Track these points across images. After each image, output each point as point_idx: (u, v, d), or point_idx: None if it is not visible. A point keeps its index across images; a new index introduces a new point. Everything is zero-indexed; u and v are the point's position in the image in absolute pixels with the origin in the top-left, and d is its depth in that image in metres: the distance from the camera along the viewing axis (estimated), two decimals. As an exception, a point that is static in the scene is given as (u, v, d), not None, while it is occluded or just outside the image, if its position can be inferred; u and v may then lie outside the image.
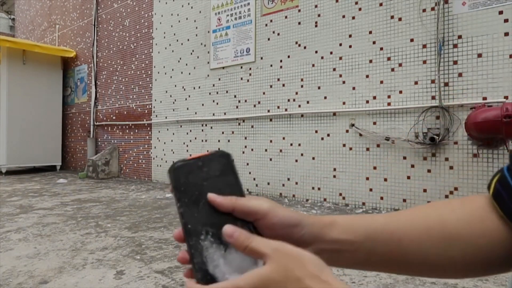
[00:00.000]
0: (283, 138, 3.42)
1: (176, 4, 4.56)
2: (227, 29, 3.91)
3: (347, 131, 2.98)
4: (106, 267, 1.60)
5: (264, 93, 3.57)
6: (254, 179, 3.64)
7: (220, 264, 0.30)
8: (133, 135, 5.20)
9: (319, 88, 3.16)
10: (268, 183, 3.53)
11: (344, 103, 3.00)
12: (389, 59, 2.77)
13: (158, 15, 4.83)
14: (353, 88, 2.95)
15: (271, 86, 3.52)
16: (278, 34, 3.48)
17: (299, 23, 3.33)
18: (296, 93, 3.32)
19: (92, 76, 5.97)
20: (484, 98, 2.36)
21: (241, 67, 3.78)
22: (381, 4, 2.81)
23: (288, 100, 3.37)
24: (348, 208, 2.90)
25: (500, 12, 2.28)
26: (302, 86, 3.28)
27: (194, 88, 4.30)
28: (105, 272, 1.54)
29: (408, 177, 2.65)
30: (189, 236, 0.30)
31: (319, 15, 3.18)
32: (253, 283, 0.27)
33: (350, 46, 2.98)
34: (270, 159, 3.52)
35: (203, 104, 4.18)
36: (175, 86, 4.53)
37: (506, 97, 2.27)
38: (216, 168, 0.34)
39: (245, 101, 3.73)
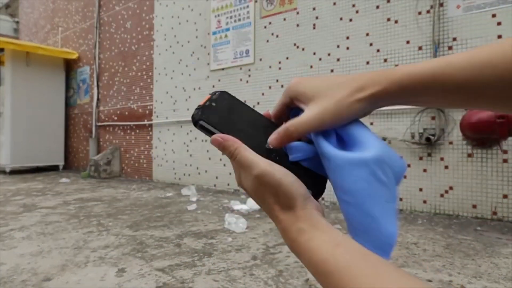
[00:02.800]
0: (282, 139, 3.44)
1: (176, 7, 4.60)
2: (227, 31, 3.95)
3: (344, 131, 3.01)
4: (107, 265, 1.63)
5: (263, 94, 3.61)
6: (254, 179, 3.67)
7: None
8: (134, 135, 5.25)
9: (317, 89, 3.20)
10: (268, 183, 3.56)
11: (341, 104, 3.03)
12: (385, 60, 2.80)
13: (159, 18, 4.87)
14: (351, 89, 2.98)
15: (270, 87, 3.56)
16: (277, 36, 3.52)
17: (298, 25, 3.36)
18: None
19: (94, 78, 6.02)
20: (479, 99, 2.38)
21: (241, 69, 3.81)
22: (378, 7, 2.84)
23: (287, 101, 3.40)
24: (346, 207, 2.93)
25: (493, 15, 2.31)
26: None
27: (194, 89, 4.35)
28: (107, 270, 1.57)
29: (405, 177, 2.68)
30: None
31: (317, 18, 3.22)
32: (248, 188, 0.32)
33: (347, 48, 3.02)
34: (269, 159, 3.55)
35: (203, 105, 4.22)
36: (176, 87, 4.58)
37: (499, 98, 2.30)
38: (224, 102, 0.38)
39: (245, 101, 3.76)
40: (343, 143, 0.34)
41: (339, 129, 0.33)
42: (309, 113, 0.33)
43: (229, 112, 0.37)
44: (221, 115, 0.36)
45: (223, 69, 3.99)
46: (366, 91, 0.31)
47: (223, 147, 0.34)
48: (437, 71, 0.30)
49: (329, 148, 0.32)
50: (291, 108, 0.37)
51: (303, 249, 0.29)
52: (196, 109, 0.37)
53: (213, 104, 0.37)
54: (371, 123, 2.86)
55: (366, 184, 0.30)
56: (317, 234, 0.29)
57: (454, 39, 2.48)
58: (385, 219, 0.30)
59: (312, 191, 0.34)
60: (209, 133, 0.36)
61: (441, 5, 2.53)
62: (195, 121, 0.36)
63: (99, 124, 5.93)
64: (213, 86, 4.10)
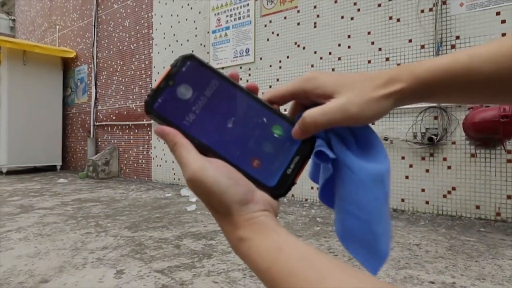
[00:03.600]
0: (282, 138, 3.43)
1: (175, 5, 4.58)
2: (227, 30, 3.93)
3: (345, 131, 2.99)
4: (106, 266, 1.62)
5: (263, 93, 3.58)
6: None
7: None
8: (133, 135, 5.23)
9: (318, 88, 3.18)
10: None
11: (342, 103, 3.02)
12: (387, 59, 2.78)
13: (158, 16, 4.85)
14: (352, 89, 2.97)
15: (270, 87, 3.54)
16: (277, 34, 3.50)
17: (298, 23, 3.34)
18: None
19: (92, 77, 5.99)
20: (482, 99, 2.37)
21: (241, 68, 3.79)
22: (379, 5, 2.82)
23: (287, 101, 3.39)
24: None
25: (498, 13, 2.29)
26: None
27: (193, 88, 4.32)
28: (105, 271, 1.56)
29: (407, 177, 2.67)
30: None
31: (318, 16, 3.20)
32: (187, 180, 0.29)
33: (349, 47, 2.99)
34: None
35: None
36: (175, 86, 4.55)
37: (503, 98, 2.29)
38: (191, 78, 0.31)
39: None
40: (358, 145, 0.32)
41: (356, 129, 0.32)
42: (333, 103, 0.30)
43: (191, 92, 0.30)
44: (177, 100, 0.30)
45: (223, 68, 3.97)
46: (392, 87, 0.30)
47: (164, 140, 0.31)
48: (463, 65, 0.28)
49: (353, 158, 0.30)
50: (300, 106, 0.34)
51: (246, 257, 0.27)
52: (148, 95, 0.30)
53: (171, 83, 0.30)
54: (372, 123, 2.83)
55: (379, 204, 0.30)
56: (258, 240, 0.27)
57: (457, 37, 2.46)
58: (383, 238, 0.30)
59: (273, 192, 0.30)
60: (165, 124, 0.30)
61: (443, 3, 2.51)
62: (146, 111, 0.30)
63: (97, 123, 5.90)
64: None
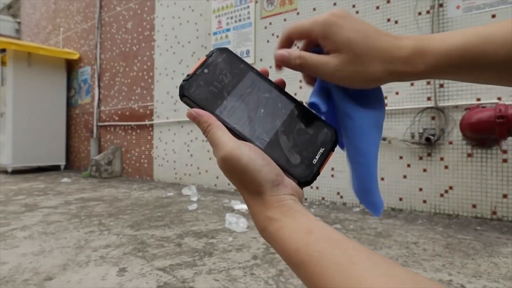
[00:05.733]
0: (283, 139, 3.45)
1: (177, 7, 4.61)
2: (227, 32, 3.96)
3: (345, 131, 3.01)
4: (109, 264, 1.64)
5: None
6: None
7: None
8: (135, 135, 5.26)
9: (317, 89, 3.20)
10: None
11: (342, 104, 3.04)
12: (385, 60, 2.80)
13: (159, 18, 4.88)
14: (351, 89, 2.99)
15: (270, 88, 3.56)
16: (278, 36, 3.53)
17: (298, 25, 3.37)
18: (295, 94, 3.36)
19: (95, 78, 6.04)
20: (478, 99, 2.39)
21: (241, 69, 3.81)
22: (377, 7, 2.85)
23: (287, 101, 3.41)
24: (346, 207, 2.94)
25: (493, 16, 2.31)
26: (301, 88, 3.33)
27: (195, 89, 4.35)
28: (108, 269, 1.58)
29: (405, 176, 2.69)
30: None
31: (317, 18, 3.22)
32: (219, 161, 0.30)
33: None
34: (270, 159, 3.56)
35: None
36: (177, 87, 4.58)
37: (499, 98, 2.31)
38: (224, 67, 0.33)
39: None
40: (356, 91, 0.33)
41: None
42: (334, 62, 0.30)
43: (225, 81, 0.32)
44: (212, 87, 0.32)
45: (223, 69, 3.99)
46: (402, 67, 0.30)
47: (197, 122, 0.32)
48: (477, 50, 0.28)
49: (351, 106, 0.32)
50: (309, 44, 0.34)
51: (274, 238, 0.27)
52: (184, 79, 0.32)
53: (206, 71, 0.32)
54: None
55: (375, 148, 0.31)
56: (288, 222, 0.27)
57: (454, 39, 2.48)
58: (377, 185, 0.32)
59: (299, 179, 0.31)
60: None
61: (440, 5, 2.54)
62: (180, 95, 0.32)
63: (100, 124, 5.94)
64: (214, 86, 4.10)
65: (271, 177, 0.29)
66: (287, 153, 0.32)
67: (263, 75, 0.35)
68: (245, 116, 0.32)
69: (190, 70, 0.33)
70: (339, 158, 3.04)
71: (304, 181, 0.31)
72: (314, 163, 0.32)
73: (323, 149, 0.32)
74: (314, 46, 0.34)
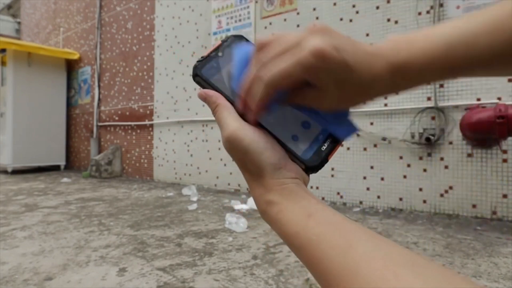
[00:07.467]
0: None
1: (177, 7, 4.62)
2: (227, 32, 3.96)
3: (345, 131, 3.02)
4: (109, 264, 1.64)
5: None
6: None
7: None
8: (135, 135, 5.27)
9: (317, 89, 3.21)
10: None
11: (342, 104, 3.04)
12: (386, 60, 2.80)
13: (159, 18, 4.88)
14: (351, 89, 2.99)
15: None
16: (278, 36, 3.52)
17: (298, 25, 3.37)
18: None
19: (95, 78, 6.04)
20: (478, 99, 2.39)
21: (241, 69, 3.82)
22: (378, 7, 2.85)
23: (287, 101, 3.41)
24: (346, 207, 2.94)
25: (493, 15, 2.31)
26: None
27: (195, 89, 4.36)
28: (108, 269, 1.58)
29: (405, 176, 2.69)
30: None
31: (317, 18, 3.22)
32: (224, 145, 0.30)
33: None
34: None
35: (204, 105, 4.23)
36: (177, 87, 4.59)
37: (499, 98, 2.31)
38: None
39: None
40: None
41: None
42: (312, 95, 0.29)
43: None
44: (225, 70, 0.32)
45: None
46: (386, 91, 0.30)
47: (207, 102, 0.32)
48: (462, 57, 0.27)
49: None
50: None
51: (274, 221, 0.27)
52: (198, 60, 0.33)
53: (220, 54, 0.33)
54: (371, 123, 2.86)
55: None
56: (288, 205, 0.27)
57: (454, 39, 2.48)
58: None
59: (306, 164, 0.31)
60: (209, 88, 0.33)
61: (441, 5, 2.54)
62: (193, 75, 0.33)
63: (100, 124, 5.95)
64: (214, 86, 4.10)
65: (273, 160, 0.28)
66: (295, 138, 0.31)
67: None
68: None
69: (205, 53, 0.33)
70: (339, 158, 3.05)
71: (312, 166, 0.31)
72: (323, 149, 0.31)
73: (333, 137, 0.32)
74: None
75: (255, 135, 0.29)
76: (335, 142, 0.32)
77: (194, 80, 0.33)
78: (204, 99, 0.32)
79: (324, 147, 0.32)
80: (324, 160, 0.31)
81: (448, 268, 0.21)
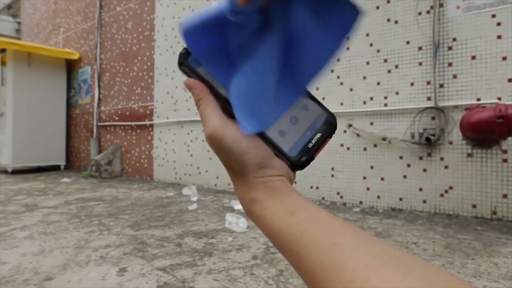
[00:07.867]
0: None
1: (177, 7, 4.62)
2: (228, 32, 3.96)
3: (345, 131, 3.02)
4: (109, 264, 1.64)
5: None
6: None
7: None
8: (135, 135, 5.27)
9: (317, 89, 3.21)
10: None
11: (342, 104, 3.05)
12: (385, 61, 2.81)
13: (160, 18, 4.88)
14: (351, 89, 3.00)
15: (270, 88, 3.56)
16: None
17: (298, 25, 3.37)
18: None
19: (95, 78, 6.04)
20: (478, 99, 2.39)
21: (241, 69, 3.82)
22: (378, 7, 2.85)
23: (287, 101, 3.41)
24: (346, 207, 2.94)
25: (493, 16, 2.32)
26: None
27: (195, 89, 4.35)
28: (108, 269, 1.58)
29: (405, 176, 2.69)
30: None
31: (317, 18, 3.22)
32: (207, 137, 0.29)
33: (347, 48, 3.02)
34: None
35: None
36: (177, 87, 4.59)
37: (499, 98, 2.31)
38: None
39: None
40: None
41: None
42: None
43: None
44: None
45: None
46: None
47: (191, 93, 0.31)
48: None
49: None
50: None
51: (258, 219, 0.27)
52: (184, 47, 0.31)
53: None
54: (371, 123, 2.86)
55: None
56: (272, 203, 0.26)
57: (454, 39, 2.49)
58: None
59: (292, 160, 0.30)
60: (195, 78, 0.31)
61: (441, 5, 2.54)
62: (179, 63, 0.31)
63: (100, 124, 5.95)
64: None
65: (256, 160, 0.28)
66: (282, 134, 0.31)
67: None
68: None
69: None
70: (339, 158, 3.05)
71: (298, 164, 0.31)
72: (310, 147, 0.31)
73: (320, 134, 0.31)
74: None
75: (237, 134, 0.28)
76: (324, 138, 0.31)
77: (180, 68, 0.31)
78: (189, 88, 0.31)
79: (311, 144, 0.31)
80: (311, 158, 0.31)
81: (434, 264, 0.21)
